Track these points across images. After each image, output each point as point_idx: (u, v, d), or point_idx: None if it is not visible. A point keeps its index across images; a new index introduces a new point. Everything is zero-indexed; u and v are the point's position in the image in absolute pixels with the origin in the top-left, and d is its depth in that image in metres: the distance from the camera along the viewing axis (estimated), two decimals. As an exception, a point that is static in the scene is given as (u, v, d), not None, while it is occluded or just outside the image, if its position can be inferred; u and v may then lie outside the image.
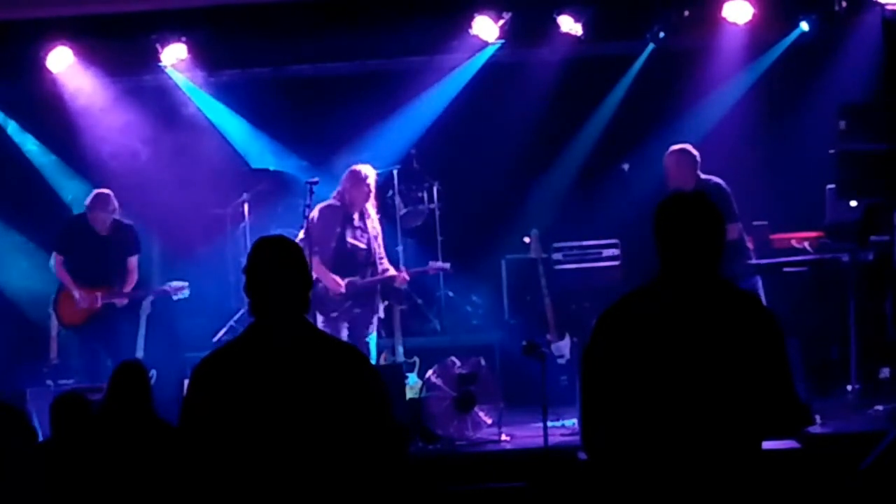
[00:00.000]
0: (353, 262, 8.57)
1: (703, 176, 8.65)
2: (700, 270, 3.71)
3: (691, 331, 3.65)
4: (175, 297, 9.14)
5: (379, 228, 8.81)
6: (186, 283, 9.14)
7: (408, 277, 8.76)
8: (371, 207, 8.71)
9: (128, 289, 9.03)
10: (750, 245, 8.96)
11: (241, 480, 3.56)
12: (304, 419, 3.58)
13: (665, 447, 3.61)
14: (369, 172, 8.62)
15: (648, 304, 3.72)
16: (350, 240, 8.56)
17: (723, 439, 3.60)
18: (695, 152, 8.67)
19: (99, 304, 8.93)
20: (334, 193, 8.62)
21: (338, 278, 8.47)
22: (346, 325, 8.53)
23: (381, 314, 8.69)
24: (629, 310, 3.75)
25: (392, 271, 8.72)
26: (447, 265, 9.26)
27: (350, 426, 3.61)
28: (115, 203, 9.03)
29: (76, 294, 8.92)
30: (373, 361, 8.52)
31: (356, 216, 8.61)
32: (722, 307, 3.69)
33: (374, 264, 8.65)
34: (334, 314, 8.50)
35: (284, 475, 3.56)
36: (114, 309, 8.98)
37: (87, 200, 9.03)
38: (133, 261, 9.13)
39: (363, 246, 8.62)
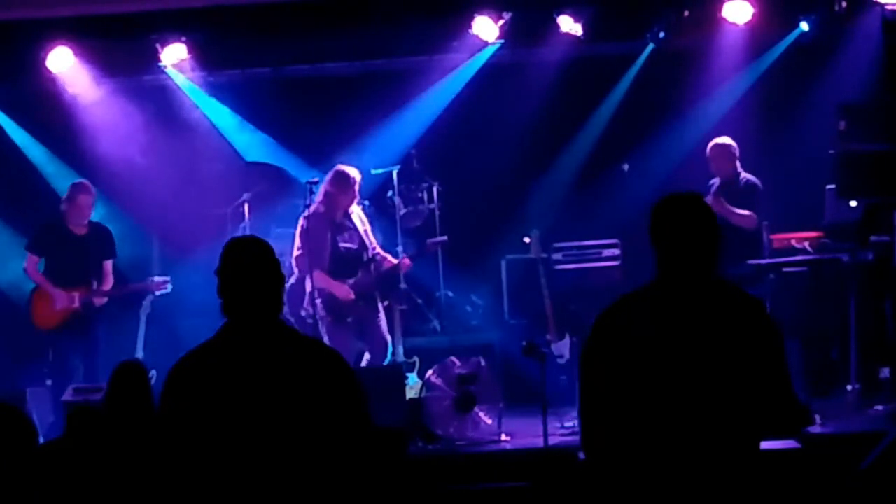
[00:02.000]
0: (349, 264, 8.56)
1: (742, 173, 8.80)
2: (696, 271, 3.71)
3: (689, 331, 3.65)
4: (158, 293, 9.13)
5: (366, 220, 8.79)
6: (168, 279, 9.14)
7: (409, 262, 8.76)
8: (354, 205, 8.69)
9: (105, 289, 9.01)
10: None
11: (216, 480, 3.57)
12: (278, 419, 3.59)
13: (664, 448, 3.61)
14: (356, 175, 8.59)
15: (646, 304, 3.73)
16: (342, 244, 8.55)
17: (721, 440, 3.61)
18: (729, 143, 8.84)
19: (77, 303, 8.88)
20: (319, 197, 8.57)
21: (344, 285, 8.47)
22: (354, 329, 8.54)
23: (381, 311, 8.68)
24: (627, 311, 3.75)
25: (391, 259, 8.72)
26: (444, 238, 9.25)
27: (324, 425, 3.62)
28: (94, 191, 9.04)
29: (54, 294, 8.86)
30: (389, 359, 8.54)
31: (341, 217, 8.58)
32: (719, 308, 3.69)
33: (370, 261, 8.64)
34: (348, 319, 8.50)
35: (259, 474, 3.57)
36: (90, 313, 8.92)
37: (68, 193, 8.98)
38: (108, 265, 9.08)
39: (355, 247, 8.61)
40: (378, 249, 8.78)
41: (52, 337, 8.98)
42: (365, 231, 8.69)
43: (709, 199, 8.44)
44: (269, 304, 3.71)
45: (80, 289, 8.93)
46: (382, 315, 8.68)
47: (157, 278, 9.15)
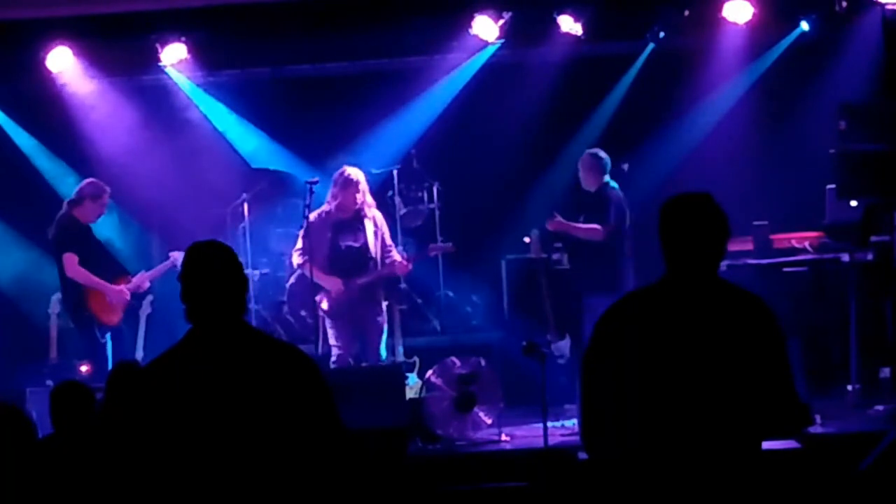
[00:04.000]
0: (347, 262, 8.55)
1: (604, 182, 8.77)
2: (703, 271, 3.72)
3: (693, 330, 3.65)
4: (178, 266, 9.09)
5: (382, 224, 8.71)
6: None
7: (407, 263, 8.67)
8: (370, 208, 8.65)
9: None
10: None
11: (186, 486, 3.57)
12: (246, 422, 3.58)
13: (666, 447, 3.61)
14: (358, 175, 8.55)
15: (650, 303, 3.73)
16: (342, 243, 8.55)
17: (724, 439, 3.61)
18: (593, 155, 8.83)
19: (128, 295, 8.86)
20: (328, 197, 8.59)
21: (335, 279, 8.48)
22: (350, 327, 8.53)
23: (384, 314, 8.66)
24: (632, 307, 3.76)
25: (401, 262, 8.63)
26: (449, 244, 9.22)
27: (293, 426, 3.62)
28: None
29: (107, 291, 8.74)
30: (384, 354, 8.53)
31: (351, 217, 8.57)
32: (724, 307, 3.70)
33: (369, 261, 8.57)
34: (339, 319, 8.50)
35: (230, 478, 3.56)
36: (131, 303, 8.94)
37: (92, 190, 8.82)
38: None
39: (357, 245, 8.59)
40: (393, 253, 8.67)
41: (113, 332, 8.86)
42: (376, 232, 8.63)
43: (549, 223, 8.62)
44: (232, 307, 3.70)
45: (121, 280, 8.91)
46: (384, 316, 8.66)
47: (175, 253, 9.05)
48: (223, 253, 3.75)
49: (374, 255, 8.59)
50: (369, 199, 8.68)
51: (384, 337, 8.65)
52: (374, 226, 8.65)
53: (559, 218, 8.64)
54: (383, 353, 8.60)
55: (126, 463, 3.67)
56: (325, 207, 8.58)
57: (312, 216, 8.53)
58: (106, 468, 5.01)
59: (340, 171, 8.62)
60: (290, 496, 3.61)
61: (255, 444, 3.57)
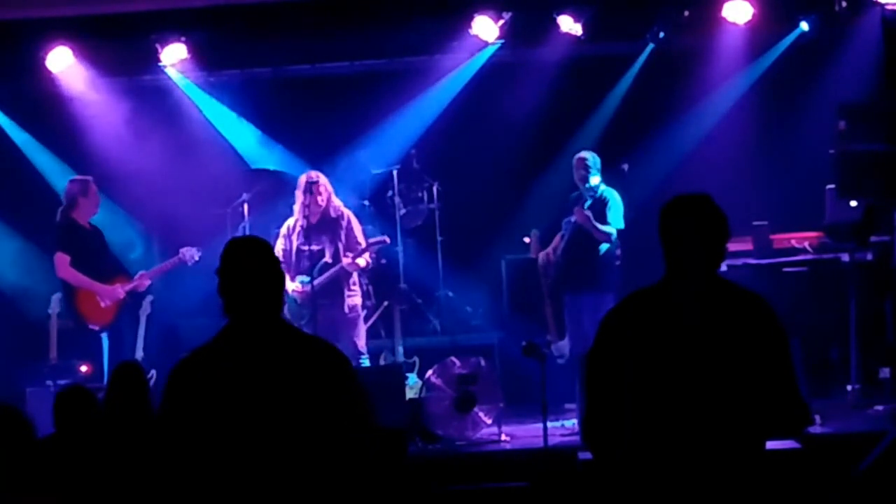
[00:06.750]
0: (307, 265, 8.62)
1: (599, 184, 8.86)
2: (704, 271, 3.72)
3: (695, 330, 3.66)
4: (191, 263, 9.09)
5: (354, 225, 8.71)
6: (196, 248, 9.07)
7: (350, 260, 8.56)
8: (335, 208, 8.67)
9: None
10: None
11: (220, 481, 3.57)
12: (283, 418, 3.59)
13: (668, 446, 3.62)
14: (303, 179, 8.63)
15: (652, 303, 3.74)
16: (303, 247, 8.65)
17: (726, 439, 3.61)
18: (582, 158, 8.92)
19: (123, 295, 8.83)
20: (295, 203, 8.71)
21: (297, 285, 8.58)
22: (324, 330, 8.53)
23: (348, 307, 8.61)
24: (633, 309, 3.76)
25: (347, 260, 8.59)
26: (384, 237, 9.08)
27: (328, 424, 3.62)
28: None
29: (100, 291, 8.74)
30: (362, 355, 8.55)
31: (315, 223, 8.62)
32: (726, 307, 3.70)
33: (327, 265, 8.58)
34: (302, 321, 8.55)
35: (262, 473, 3.56)
36: (128, 303, 8.92)
37: (79, 188, 8.85)
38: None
39: (317, 248, 8.64)
40: (360, 250, 8.65)
41: (108, 335, 8.82)
42: (340, 235, 8.63)
43: (576, 212, 8.67)
44: (270, 302, 3.72)
45: (118, 280, 8.90)
46: (355, 312, 8.64)
47: (185, 249, 9.06)
48: (261, 248, 3.77)
49: (333, 258, 8.59)
50: (336, 201, 8.70)
51: (362, 333, 8.67)
52: (341, 227, 8.63)
53: (587, 212, 8.64)
54: (361, 348, 8.58)
55: (158, 456, 3.67)
56: (291, 216, 8.71)
57: (284, 227, 8.67)
58: (108, 468, 5.02)
59: (303, 176, 8.66)
60: (322, 491, 3.60)
61: (288, 440, 3.58)
